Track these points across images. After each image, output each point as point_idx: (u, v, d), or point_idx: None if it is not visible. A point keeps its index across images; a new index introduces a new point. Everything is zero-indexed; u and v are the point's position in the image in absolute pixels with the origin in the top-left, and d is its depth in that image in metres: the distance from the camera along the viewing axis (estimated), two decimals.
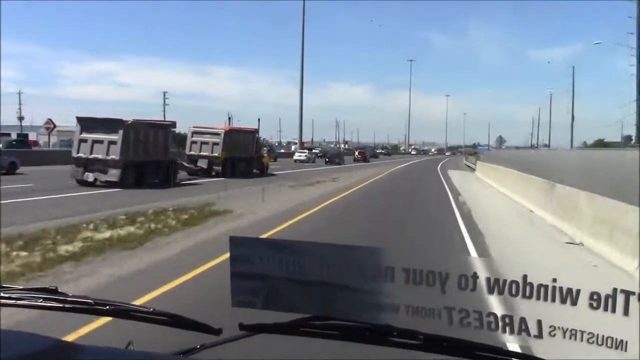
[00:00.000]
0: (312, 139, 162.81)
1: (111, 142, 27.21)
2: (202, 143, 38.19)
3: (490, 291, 1.69)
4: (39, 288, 1.90)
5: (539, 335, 1.66)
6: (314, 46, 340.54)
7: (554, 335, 1.66)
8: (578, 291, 1.63)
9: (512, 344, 1.83)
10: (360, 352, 5.22)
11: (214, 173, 36.75)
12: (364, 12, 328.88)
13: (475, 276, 1.70)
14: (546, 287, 1.65)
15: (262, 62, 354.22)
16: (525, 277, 1.66)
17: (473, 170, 57.91)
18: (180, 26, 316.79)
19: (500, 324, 1.70)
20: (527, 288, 1.66)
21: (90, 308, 1.87)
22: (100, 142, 27.32)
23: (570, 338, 1.65)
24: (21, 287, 1.93)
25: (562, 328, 1.65)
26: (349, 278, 1.79)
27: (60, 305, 1.85)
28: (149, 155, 29.19)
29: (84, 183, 26.86)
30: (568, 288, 1.63)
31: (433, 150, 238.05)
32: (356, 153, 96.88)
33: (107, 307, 1.90)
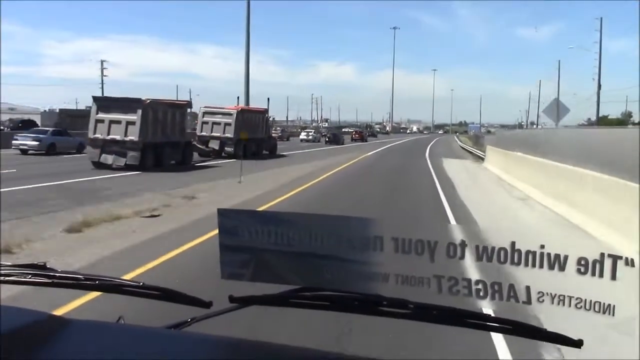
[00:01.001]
0: (287, 117, 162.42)
1: (129, 123, 26.12)
2: (214, 123, 37.28)
3: (479, 258, 1.70)
4: (28, 264, 1.89)
5: (528, 301, 1.67)
6: (302, 27, 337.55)
7: (542, 301, 1.67)
8: (566, 257, 1.63)
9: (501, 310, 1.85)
10: (349, 321, 5.28)
11: (224, 155, 36.06)
12: None
13: (463, 244, 1.71)
14: (534, 253, 1.65)
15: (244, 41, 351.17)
16: (513, 244, 1.67)
17: (481, 160, 38.34)
18: (166, 4, 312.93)
19: (489, 291, 1.70)
20: (516, 255, 1.67)
21: (79, 283, 1.87)
22: (118, 122, 26.23)
23: (559, 303, 1.66)
24: (9, 263, 1.92)
25: (550, 294, 1.66)
26: (338, 248, 1.79)
27: (50, 280, 1.84)
28: (167, 136, 28.14)
29: (100, 165, 25.77)
30: (556, 254, 1.64)
31: (415, 128, 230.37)
32: (353, 133, 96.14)
33: (97, 282, 1.89)
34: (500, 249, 1.68)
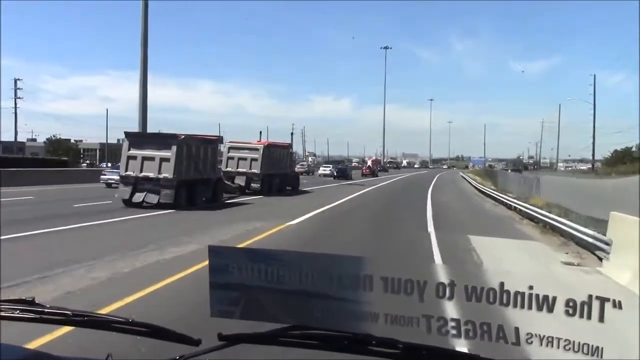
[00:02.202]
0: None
1: (163, 159, 24.68)
2: (240, 159, 35.99)
3: (468, 299, 1.70)
4: (16, 300, 1.88)
5: (517, 343, 1.68)
6: (298, 59, 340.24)
7: (531, 342, 1.67)
8: (554, 298, 1.64)
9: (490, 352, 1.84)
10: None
11: (247, 191, 34.70)
12: (347, 26, 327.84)
13: (452, 284, 1.71)
14: (523, 294, 1.66)
15: (244, 75, 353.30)
16: (502, 284, 1.68)
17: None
18: (163, 40, 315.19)
19: (478, 331, 1.71)
20: (504, 295, 1.67)
21: (67, 319, 1.86)
22: (152, 159, 24.74)
23: (547, 345, 1.66)
24: None
25: (539, 335, 1.67)
26: (327, 287, 1.79)
27: (38, 316, 1.83)
28: (199, 172, 26.86)
29: (130, 204, 24.30)
30: (544, 295, 1.65)
31: (417, 163, 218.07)
32: (364, 168, 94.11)
33: (85, 318, 1.89)
34: (490, 289, 1.69)
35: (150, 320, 1.91)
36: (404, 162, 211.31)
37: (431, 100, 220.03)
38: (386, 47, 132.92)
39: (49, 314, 1.85)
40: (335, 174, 71.49)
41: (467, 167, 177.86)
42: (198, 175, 26.65)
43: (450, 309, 1.76)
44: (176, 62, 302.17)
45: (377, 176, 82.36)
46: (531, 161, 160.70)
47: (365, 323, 1.77)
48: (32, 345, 1.81)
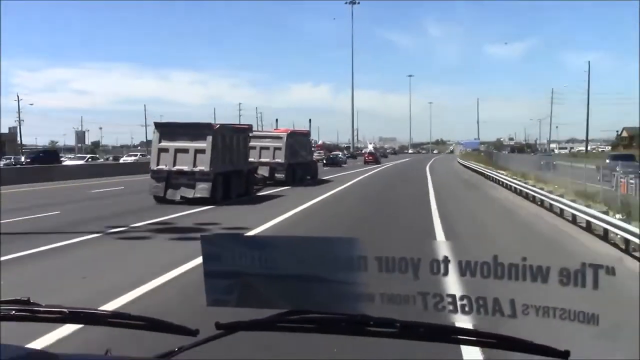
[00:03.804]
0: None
1: (198, 151, 22.92)
2: (262, 148, 33.79)
3: (463, 274, 1.71)
4: (11, 300, 1.87)
5: (513, 315, 1.69)
6: (276, 48, 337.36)
7: (527, 313, 1.68)
8: (548, 268, 1.65)
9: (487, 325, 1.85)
10: (338, 343, 5.27)
11: (269, 182, 32.51)
12: (324, 13, 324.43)
13: (446, 260, 1.72)
14: (517, 266, 1.67)
15: (221, 66, 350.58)
16: (495, 257, 1.69)
17: None
18: (138, 31, 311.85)
19: (474, 306, 1.72)
20: (499, 268, 1.68)
21: (63, 317, 1.85)
22: (185, 151, 23.00)
23: (543, 315, 1.67)
24: None
25: (535, 306, 1.68)
26: (322, 270, 1.79)
27: (34, 315, 1.83)
28: (233, 164, 25.08)
29: (163, 200, 22.48)
30: (538, 266, 1.66)
31: (411, 150, 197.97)
32: (366, 155, 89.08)
33: (82, 315, 1.88)
34: (483, 263, 1.70)
35: (149, 314, 1.91)
36: (394, 148, 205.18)
37: (410, 76, 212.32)
38: (352, 2, 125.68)
39: (45, 312, 1.84)
40: (324, 161, 69.75)
41: (451, 151, 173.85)
42: (232, 167, 24.95)
43: (446, 285, 1.76)
44: (152, 53, 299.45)
45: (379, 163, 78.74)
46: (512, 143, 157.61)
47: (362, 304, 1.77)
48: (31, 344, 1.81)
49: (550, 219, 18.59)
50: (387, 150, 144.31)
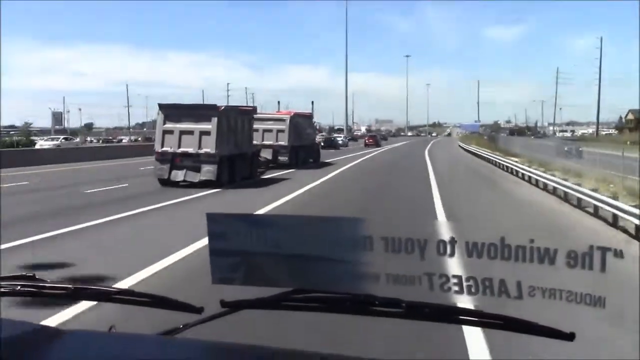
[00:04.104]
0: None
1: (203, 133, 22.64)
2: (265, 131, 33.38)
3: (469, 255, 1.70)
4: (17, 275, 1.87)
5: (519, 296, 1.68)
6: (272, 30, 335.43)
7: (534, 295, 1.68)
8: (555, 250, 1.64)
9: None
10: (343, 322, 5.30)
11: (271, 165, 32.10)
12: None
13: (453, 241, 1.71)
14: (524, 248, 1.66)
15: (218, 47, 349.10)
16: (502, 239, 1.67)
17: None
18: (135, 11, 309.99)
19: (480, 287, 1.71)
20: (506, 250, 1.67)
21: (68, 293, 1.85)
22: (190, 132, 22.74)
23: (550, 297, 1.67)
24: None
25: (541, 288, 1.67)
26: (328, 249, 1.79)
27: (39, 291, 1.83)
28: (238, 146, 24.81)
29: (166, 183, 22.32)
30: (545, 248, 1.65)
31: (410, 133, 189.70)
32: (366, 138, 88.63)
33: (87, 291, 1.89)
34: (490, 244, 1.69)
35: (152, 291, 1.91)
36: (391, 131, 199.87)
37: (407, 56, 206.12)
38: None
39: (50, 288, 1.84)
40: (322, 144, 70.22)
41: (449, 134, 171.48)
42: (237, 150, 24.69)
43: (452, 266, 1.75)
44: (150, 33, 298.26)
45: (380, 146, 78.32)
46: (509, 126, 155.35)
47: (367, 284, 1.77)
48: (35, 321, 1.82)
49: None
50: (383, 133, 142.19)
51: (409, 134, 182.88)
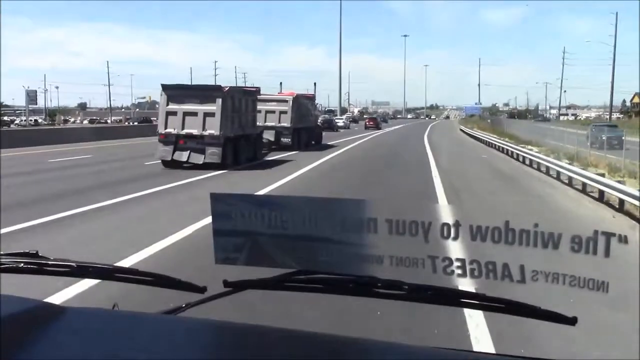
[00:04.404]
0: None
1: (208, 114, 22.39)
2: (268, 112, 32.86)
3: (473, 238, 1.70)
4: (20, 252, 1.88)
5: (522, 280, 1.68)
6: (270, 9, 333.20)
7: (537, 279, 1.67)
8: (560, 235, 1.64)
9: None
10: (345, 304, 5.32)
11: (273, 147, 31.85)
12: None
13: (457, 224, 1.70)
14: (528, 232, 1.65)
15: (215, 28, 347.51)
16: (507, 223, 1.67)
17: None
18: None
19: (483, 270, 1.71)
20: (510, 234, 1.67)
21: (72, 271, 1.86)
22: (194, 114, 22.50)
23: (553, 281, 1.66)
24: (1, 252, 1.91)
25: (544, 272, 1.67)
26: (331, 231, 1.78)
27: (42, 268, 1.83)
28: (242, 128, 24.54)
29: (169, 164, 22.21)
30: (550, 232, 1.64)
31: (409, 115, 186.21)
32: (367, 120, 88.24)
33: (90, 269, 1.89)
34: (494, 228, 1.68)
35: (156, 270, 1.91)
36: (409, 115, 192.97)
37: (405, 36, 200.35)
38: None
39: (53, 265, 1.85)
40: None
41: (447, 117, 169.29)
42: (241, 131, 24.45)
43: (455, 249, 1.75)
44: (147, 14, 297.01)
45: (380, 128, 78.09)
46: (507, 109, 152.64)
47: (370, 266, 1.77)
48: (37, 296, 1.83)
49: None
50: (383, 115, 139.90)
51: (409, 116, 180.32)
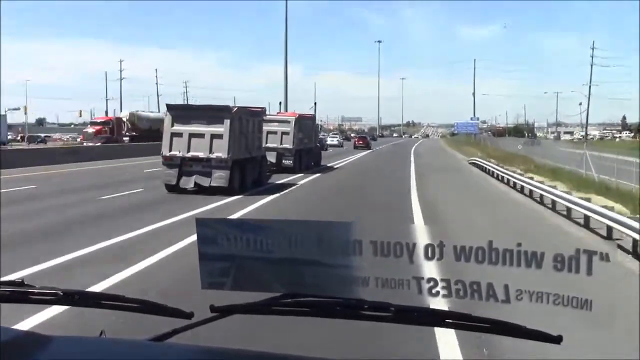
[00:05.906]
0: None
1: (215, 136, 21.13)
2: (269, 133, 30.55)
3: (457, 259, 1.71)
4: (5, 281, 1.87)
5: (507, 300, 1.69)
6: (246, 25, 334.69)
7: (521, 299, 1.69)
8: (542, 254, 1.66)
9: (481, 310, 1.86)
10: (332, 327, 5.30)
11: (274, 168, 29.13)
12: None
13: (441, 245, 1.72)
14: (511, 251, 1.67)
15: (192, 46, 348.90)
16: (490, 243, 1.69)
17: None
18: (105, 4, 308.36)
19: (468, 290, 1.72)
20: (493, 254, 1.68)
21: (57, 299, 1.85)
22: (201, 135, 21.20)
23: (537, 300, 1.68)
24: None
25: (529, 291, 1.69)
26: (317, 253, 1.79)
27: (27, 297, 1.82)
28: (248, 150, 23.22)
29: (174, 189, 20.74)
30: (533, 251, 1.66)
31: (395, 134, 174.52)
32: (356, 140, 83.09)
33: (76, 297, 1.88)
34: (478, 248, 1.70)
35: (141, 296, 1.91)
36: (394, 134, 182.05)
37: (379, 42, 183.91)
38: None
39: (39, 294, 1.84)
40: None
41: (427, 135, 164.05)
42: (248, 154, 23.08)
43: (440, 270, 1.77)
44: (122, 29, 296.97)
45: (370, 148, 73.05)
46: (485, 126, 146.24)
47: (357, 288, 1.78)
48: (23, 326, 1.82)
49: None
50: (377, 135, 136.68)
51: (384, 133, 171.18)
